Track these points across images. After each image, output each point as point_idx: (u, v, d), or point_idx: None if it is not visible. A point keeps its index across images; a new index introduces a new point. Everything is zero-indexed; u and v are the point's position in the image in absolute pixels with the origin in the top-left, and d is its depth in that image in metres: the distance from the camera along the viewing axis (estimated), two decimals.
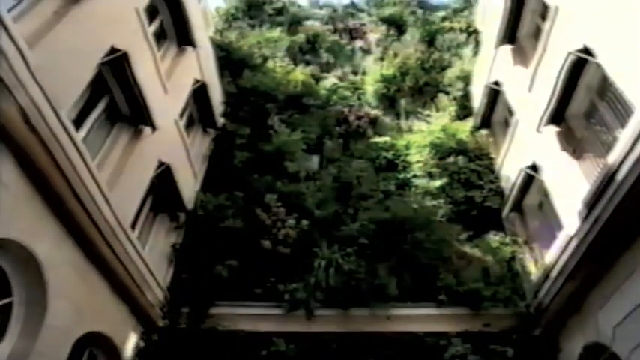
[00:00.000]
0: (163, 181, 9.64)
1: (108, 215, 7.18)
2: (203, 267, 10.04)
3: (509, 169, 11.57)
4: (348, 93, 15.76)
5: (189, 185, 11.42)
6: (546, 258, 9.24)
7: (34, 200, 5.79)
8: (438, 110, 14.72)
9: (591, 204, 7.19)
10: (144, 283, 8.51)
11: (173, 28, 11.13)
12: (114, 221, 7.38)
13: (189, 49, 11.69)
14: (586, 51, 7.84)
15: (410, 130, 14.19)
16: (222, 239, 10.46)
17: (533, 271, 9.87)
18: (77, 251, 6.70)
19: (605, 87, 8.10)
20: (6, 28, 5.12)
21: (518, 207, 10.99)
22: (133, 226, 8.73)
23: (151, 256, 9.16)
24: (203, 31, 13.19)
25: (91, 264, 7.02)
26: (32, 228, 5.77)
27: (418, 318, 9.49)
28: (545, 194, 9.94)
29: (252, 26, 18.88)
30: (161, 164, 9.51)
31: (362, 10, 21.03)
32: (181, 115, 11.56)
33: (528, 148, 10.43)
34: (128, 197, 8.37)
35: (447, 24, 18.67)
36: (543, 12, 10.28)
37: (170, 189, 10.01)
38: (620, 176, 6.43)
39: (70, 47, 6.63)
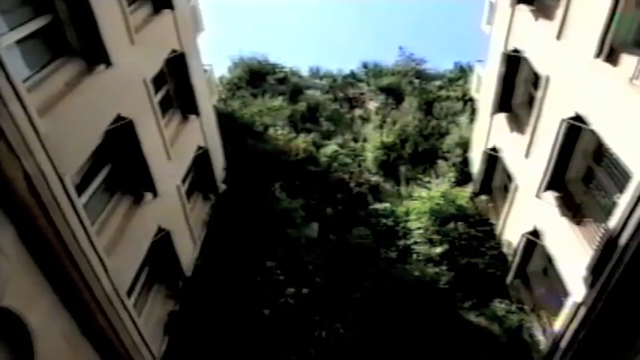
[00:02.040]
0: (162, 247, 9.55)
1: (105, 282, 7.05)
2: (200, 337, 9.72)
3: (511, 235, 11.50)
4: (348, 160, 15.99)
5: (188, 251, 11.30)
6: (555, 326, 8.96)
7: (31, 268, 5.71)
8: (437, 176, 14.88)
9: (596, 270, 7.08)
10: (137, 354, 8.19)
11: (179, 96, 11.51)
12: (110, 289, 7.23)
13: (194, 116, 12.01)
14: (579, 118, 8.05)
15: (410, 196, 14.26)
16: (220, 307, 10.20)
17: (542, 340, 9.53)
18: (71, 321, 6.51)
19: (601, 152, 8.24)
20: (19, 98, 5.30)
21: (522, 273, 10.81)
22: (130, 293, 8.54)
23: (147, 324, 8.89)
24: (207, 100, 13.63)
25: (83, 335, 6.80)
26: (27, 296, 5.65)
27: None
28: (548, 259, 9.81)
29: (255, 95, 19.53)
30: (160, 230, 9.47)
31: (361, 80, 21.81)
32: (183, 181, 11.68)
33: (529, 213, 10.43)
34: (126, 263, 8.26)
35: (443, 92, 19.32)
36: (535, 81, 10.67)
37: (169, 255, 9.89)
38: (622, 240, 6.38)
39: (79, 115, 6.84)
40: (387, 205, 13.87)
